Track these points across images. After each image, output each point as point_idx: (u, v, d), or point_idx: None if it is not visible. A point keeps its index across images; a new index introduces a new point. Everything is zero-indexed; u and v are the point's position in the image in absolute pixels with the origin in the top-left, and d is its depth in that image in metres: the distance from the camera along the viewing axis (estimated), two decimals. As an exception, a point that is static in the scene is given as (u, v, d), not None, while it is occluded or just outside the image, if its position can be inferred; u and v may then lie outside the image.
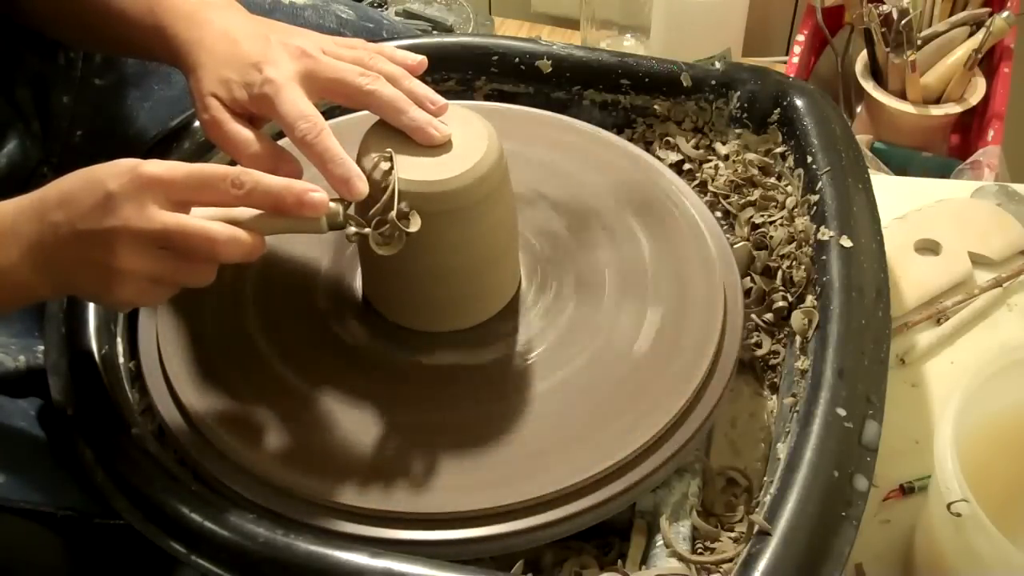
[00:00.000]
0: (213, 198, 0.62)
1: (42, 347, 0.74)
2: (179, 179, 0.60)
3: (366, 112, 0.74)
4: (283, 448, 0.67)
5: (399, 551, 0.61)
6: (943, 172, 1.25)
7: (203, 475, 0.67)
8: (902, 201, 0.96)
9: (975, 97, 1.30)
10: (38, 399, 0.72)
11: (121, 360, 0.73)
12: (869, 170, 0.82)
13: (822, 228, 0.76)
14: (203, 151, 0.85)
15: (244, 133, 0.67)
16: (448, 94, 0.91)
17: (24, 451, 0.68)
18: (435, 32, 1.57)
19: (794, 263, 0.79)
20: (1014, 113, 1.30)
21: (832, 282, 0.73)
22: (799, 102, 0.85)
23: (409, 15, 1.61)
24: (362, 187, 0.65)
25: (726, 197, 0.87)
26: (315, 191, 0.62)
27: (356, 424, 0.69)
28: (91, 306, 0.72)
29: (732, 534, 0.69)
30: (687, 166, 0.90)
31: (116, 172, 0.60)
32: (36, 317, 0.76)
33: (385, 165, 0.66)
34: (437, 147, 0.68)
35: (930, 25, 1.34)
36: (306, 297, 0.76)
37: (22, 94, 0.83)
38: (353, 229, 0.65)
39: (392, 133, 0.69)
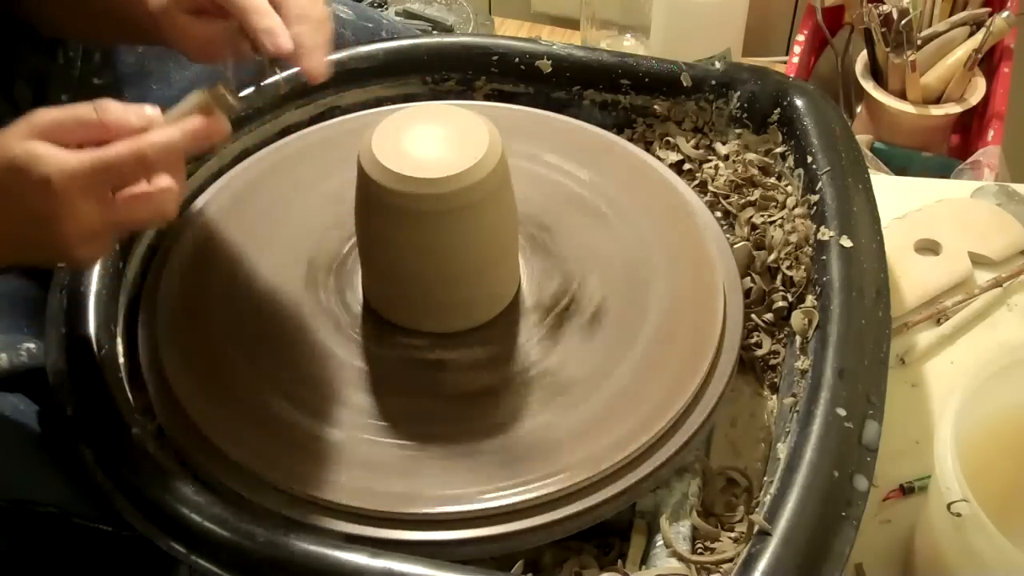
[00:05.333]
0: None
1: (28, 344, 0.73)
2: (69, 123, 0.60)
3: (366, 113, 0.74)
4: (283, 448, 0.67)
5: (399, 551, 0.61)
6: (943, 172, 1.25)
7: (203, 475, 0.67)
8: (902, 201, 0.96)
9: (975, 97, 1.30)
10: (24, 396, 0.72)
11: (121, 360, 0.73)
12: (869, 170, 0.82)
13: (822, 228, 0.76)
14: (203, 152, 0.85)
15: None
16: (448, 94, 0.92)
17: (6, 447, 0.68)
18: (435, 32, 1.57)
19: (794, 263, 0.79)
20: (1014, 113, 1.30)
21: (832, 282, 0.73)
22: (799, 102, 0.85)
23: (409, 15, 1.61)
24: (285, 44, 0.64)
25: (726, 197, 0.87)
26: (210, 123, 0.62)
27: (355, 424, 0.69)
28: (91, 306, 0.72)
29: (732, 534, 0.69)
30: (687, 166, 0.90)
31: (12, 133, 0.59)
32: (22, 313, 0.76)
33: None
34: (437, 148, 0.68)
35: (930, 25, 1.34)
36: (306, 297, 0.76)
37: (21, 92, 0.83)
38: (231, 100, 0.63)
39: (401, 129, 0.69)
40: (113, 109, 0.61)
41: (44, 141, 0.59)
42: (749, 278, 0.83)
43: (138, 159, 0.59)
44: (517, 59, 0.91)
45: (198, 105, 0.63)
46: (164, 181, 0.61)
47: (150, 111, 0.61)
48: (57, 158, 0.58)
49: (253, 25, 0.64)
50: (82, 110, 0.60)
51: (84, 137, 0.60)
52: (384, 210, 0.69)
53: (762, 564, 0.58)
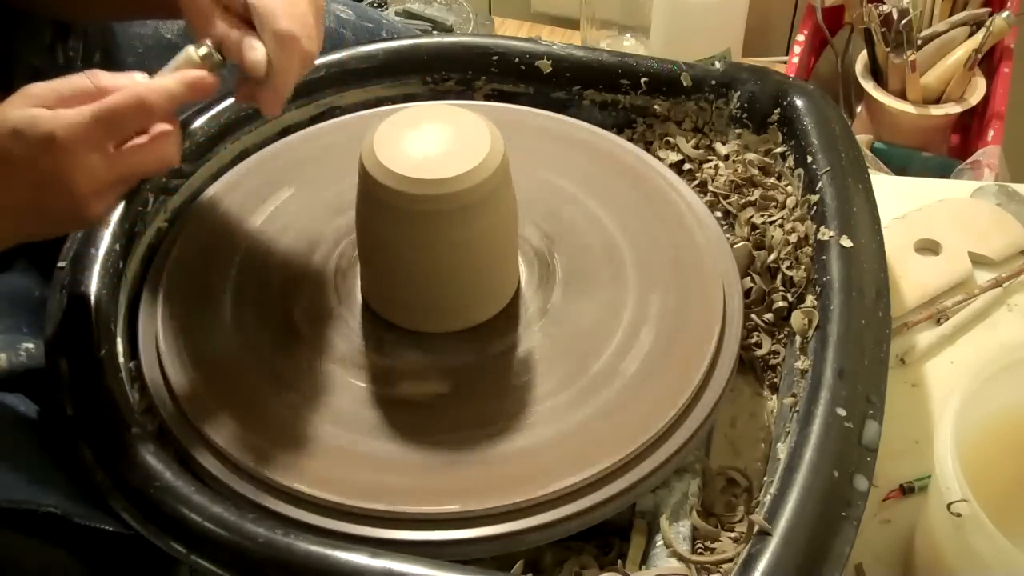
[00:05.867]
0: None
1: (28, 344, 0.73)
2: (63, 91, 0.61)
3: (366, 113, 0.74)
4: (283, 448, 0.67)
5: (399, 551, 0.61)
6: (943, 172, 1.25)
7: (203, 476, 0.67)
8: (902, 201, 0.96)
9: (975, 97, 1.30)
10: (24, 396, 0.72)
11: (121, 360, 0.73)
12: (869, 170, 0.82)
13: (822, 228, 0.76)
14: (203, 152, 0.85)
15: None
16: (448, 94, 0.92)
17: (6, 447, 0.68)
18: (435, 32, 1.57)
19: (794, 263, 0.79)
20: (1014, 113, 1.30)
21: (832, 282, 0.73)
22: (799, 102, 0.85)
23: (409, 15, 1.61)
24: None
25: (726, 197, 0.87)
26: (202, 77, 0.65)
27: (356, 424, 0.69)
28: (91, 306, 0.72)
29: (732, 534, 0.69)
30: (687, 166, 0.90)
31: (9, 103, 0.60)
32: (22, 313, 0.76)
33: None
34: (439, 149, 0.68)
35: (930, 25, 1.34)
36: (306, 298, 0.76)
37: None
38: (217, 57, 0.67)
39: (402, 130, 0.69)
40: (104, 76, 0.62)
41: (41, 108, 0.59)
42: (749, 278, 0.83)
43: (138, 105, 0.61)
44: (517, 59, 0.91)
45: (186, 62, 0.65)
46: (162, 126, 0.63)
47: (139, 76, 0.63)
48: (57, 115, 0.59)
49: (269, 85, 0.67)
50: (75, 79, 0.62)
51: (79, 104, 0.61)
52: (385, 210, 0.69)
53: (762, 564, 0.58)
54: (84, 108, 0.60)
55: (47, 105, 0.60)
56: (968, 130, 1.39)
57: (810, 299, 0.75)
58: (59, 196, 0.61)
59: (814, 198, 0.79)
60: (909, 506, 0.76)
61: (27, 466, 0.67)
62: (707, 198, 0.87)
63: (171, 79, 0.63)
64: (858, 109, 1.41)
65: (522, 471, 0.66)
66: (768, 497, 0.62)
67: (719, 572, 0.65)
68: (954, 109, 1.30)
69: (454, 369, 0.72)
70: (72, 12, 0.85)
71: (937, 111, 1.30)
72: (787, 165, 0.85)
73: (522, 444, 0.68)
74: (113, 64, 0.89)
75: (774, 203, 0.84)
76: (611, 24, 1.56)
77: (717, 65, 0.91)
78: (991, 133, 1.25)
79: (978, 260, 0.92)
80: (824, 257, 0.75)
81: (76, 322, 0.71)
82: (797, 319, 0.74)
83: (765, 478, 0.68)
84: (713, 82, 0.89)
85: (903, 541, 0.75)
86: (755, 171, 0.86)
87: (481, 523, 0.64)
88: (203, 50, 0.66)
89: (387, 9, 1.61)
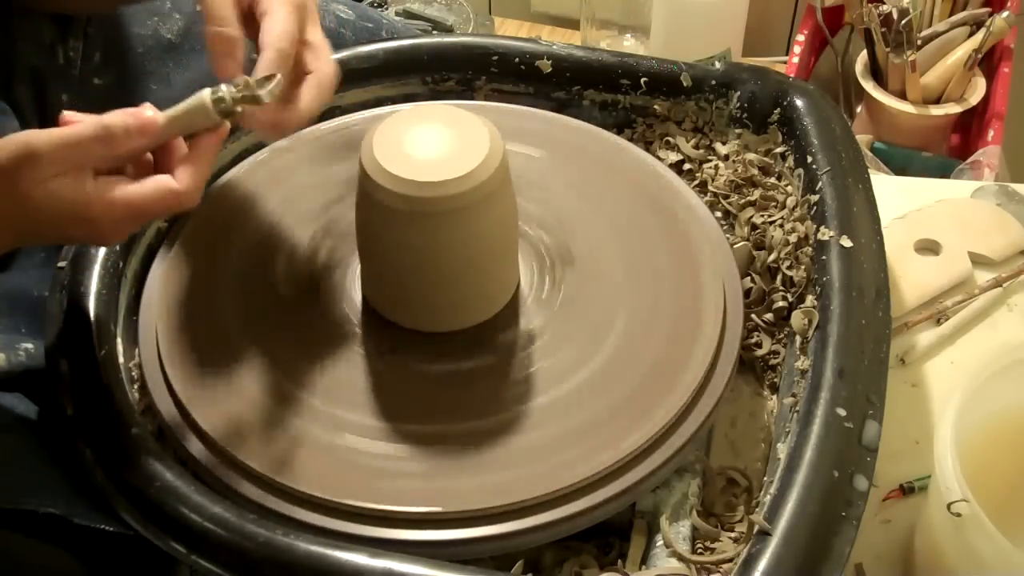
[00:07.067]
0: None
1: (27, 344, 0.73)
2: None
3: (366, 113, 0.74)
4: (283, 448, 0.67)
5: (399, 551, 0.61)
6: (943, 172, 1.26)
7: (203, 475, 0.67)
8: (902, 201, 0.96)
9: (975, 97, 1.30)
10: (23, 396, 0.72)
11: (121, 360, 0.73)
12: (869, 170, 0.82)
13: (822, 228, 0.76)
14: (203, 151, 0.85)
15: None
16: (448, 94, 0.92)
17: (6, 448, 0.68)
18: (435, 32, 1.57)
19: (794, 263, 0.79)
20: (1014, 113, 1.30)
21: (832, 282, 0.73)
22: (799, 102, 0.85)
23: (409, 15, 1.62)
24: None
25: (726, 197, 0.87)
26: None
27: (356, 424, 0.69)
28: (91, 307, 0.72)
29: (732, 534, 0.69)
30: (687, 166, 0.90)
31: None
32: (21, 313, 0.76)
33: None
34: (438, 149, 0.68)
35: (930, 25, 1.34)
36: (306, 298, 0.76)
37: (20, 92, 0.83)
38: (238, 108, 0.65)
39: (401, 130, 0.69)
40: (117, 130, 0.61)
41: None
42: (749, 278, 0.83)
43: (102, 135, 0.60)
44: (517, 59, 0.91)
45: (196, 104, 0.64)
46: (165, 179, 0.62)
47: (149, 113, 0.62)
48: (39, 132, 0.59)
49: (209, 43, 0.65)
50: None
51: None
52: (384, 211, 0.69)
53: (762, 564, 0.58)
54: (54, 131, 0.60)
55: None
56: (968, 130, 1.39)
57: (810, 299, 0.75)
58: (34, 211, 0.61)
59: (814, 198, 0.79)
60: (909, 506, 0.76)
61: (27, 466, 0.67)
62: (707, 198, 0.87)
63: (127, 113, 0.61)
64: (858, 109, 1.41)
65: (522, 471, 0.66)
66: (768, 497, 0.62)
67: (719, 572, 0.65)
68: (954, 109, 1.30)
69: (454, 369, 0.72)
70: (74, 2, 0.85)
71: (937, 111, 1.30)
72: (787, 165, 0.85)
73: (522, 444, 0.68)
74: (113, 64, 0.88)
75: (774, 203, 0.84)
76: (611, 24, 1.56)
77: (717, 65, 0.91)
78: (991, 133, 1.25)
79: (978, 260, 0.92)
80: (824, 257, 0.75)
81: (76, 322, 0.72)
82: (797, 319, 0.75)
83: (765, 478, 0.68)
84: (713, 82, 0.89)
85: (903, 541, 0.75)
86: (755, 171, 0.86)
87: (481, 523, 0.64)
88: (217, 95, 0.64)
89: (387, 9, 1.62)
